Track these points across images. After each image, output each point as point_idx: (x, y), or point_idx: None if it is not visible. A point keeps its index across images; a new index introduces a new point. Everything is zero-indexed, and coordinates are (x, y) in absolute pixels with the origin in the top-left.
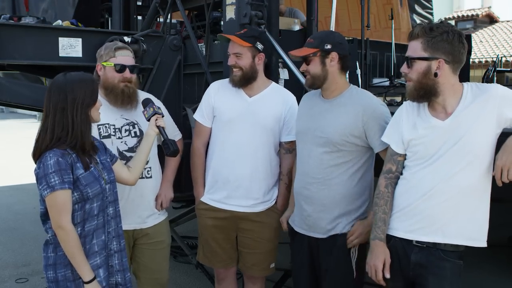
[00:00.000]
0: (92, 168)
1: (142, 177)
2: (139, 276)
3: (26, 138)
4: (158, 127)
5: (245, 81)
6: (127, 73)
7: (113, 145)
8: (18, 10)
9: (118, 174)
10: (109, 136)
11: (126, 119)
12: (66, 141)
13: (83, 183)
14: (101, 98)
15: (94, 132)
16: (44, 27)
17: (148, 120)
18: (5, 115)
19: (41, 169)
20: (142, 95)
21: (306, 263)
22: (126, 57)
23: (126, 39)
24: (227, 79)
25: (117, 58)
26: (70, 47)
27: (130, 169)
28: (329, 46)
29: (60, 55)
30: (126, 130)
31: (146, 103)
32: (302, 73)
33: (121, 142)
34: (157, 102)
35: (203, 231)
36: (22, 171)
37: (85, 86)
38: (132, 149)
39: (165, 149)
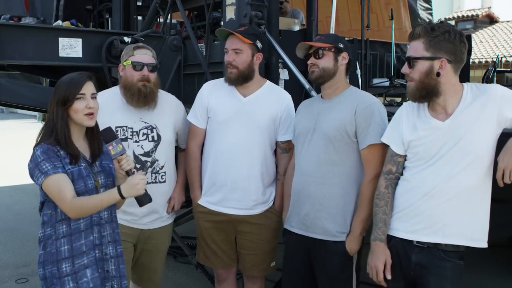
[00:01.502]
0: (82, 167)
1: (155, 182)
2: (137, 274)
3: (26, 138)
4: (125, 170)
5: (242, 79)
6: (145, 71)
7: (129, 148)
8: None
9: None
10: (125, 139)
11: (145, 122)
12: (52, 136)
13: (70, 178)
14: (120, 96)
15: None
16: (44, 28)
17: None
18: (5, 115)
19: (32, 162)
20: (163, 95)
21: (303, 264)
22: (144, 56)
23: (126, 39)
24: (221, 79)
25: (135, 56)
26: (70, 48)
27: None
28: (342, 46)
29: (60, 55)
30: (143, 134)
31: (111, 136)
32: (306, 75)
33: (138, 145)
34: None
35: (202, 233)
36: (22, 171)
37: (62, 85)
38: (148, 154)
39: (140, 202)
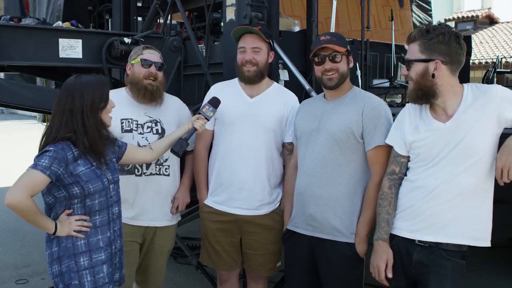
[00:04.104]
0: (93, 167)
1: (159, 174)
2: (139, 273)
3: (26, 139)
4: (193, 126)
5: (260, 77)
6: (152, 69)
7: (134, 139)
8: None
9: (133, 157)
10: (130, 131)
11: (150, 117)
12: (75, 140)
13: (84, 179)
14: (126, 93)
15: (116, 126)
16: (44, 28)
17: (195, 113)
18: (5, 116)
19: (41, 152)
20: (167, 97)
21: (307, 264)
22: (153, 55)
23: (126, 40)
24: (228, 81)
25: (144, 55)
26: (70, 48)
27: (150, 150)
28: (348, 48)
29: (60, 56)
30: (148, 127)
31: (212, 101)
32: (306, 76)
33: (142, 137)
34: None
35: (207, 233)
36: (22, 172)
37: (94, 89)
38: None
39: (174, 145)
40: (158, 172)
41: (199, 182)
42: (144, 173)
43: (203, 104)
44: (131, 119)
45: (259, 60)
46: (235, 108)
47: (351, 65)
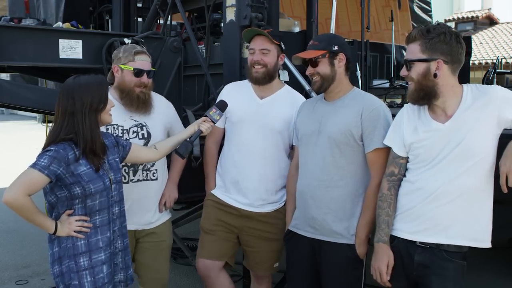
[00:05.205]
0: (95, 167)
1: (147, 179)
2: (141, 275)
3: (26, 139)
4: (199, 128)
5: (268, 78)
6: (144, 78)
7: None
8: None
9: (137, 157)
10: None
11: (135, 121)
12: (77, 142)
13: (85, 179)
14: (113, 99)
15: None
16: (44, 29)
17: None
18: (5, 116)
19: (43, 150)
20: (153, 96)
21: (308, 265)
22: (144, 62)
23: (126, 41)
24: (241, 82)
25: (136, 62)
26: (71, 49)
27: (155, 150)
28: (336, 48)
29: (60, 56)
30: (134, 132)
31: (219, 104)
32: (306, 76)
33: None
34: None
35: (205, 220)
36: None
37: (93, 91)
38: None
39: (179, 147)
40: (145, 178)
41: (208, 174)
42: (131, 180)
43: (213, 108)
44: (117, 124)
45: (267, 61)
46: (244, 108)
47: (340, 64)
